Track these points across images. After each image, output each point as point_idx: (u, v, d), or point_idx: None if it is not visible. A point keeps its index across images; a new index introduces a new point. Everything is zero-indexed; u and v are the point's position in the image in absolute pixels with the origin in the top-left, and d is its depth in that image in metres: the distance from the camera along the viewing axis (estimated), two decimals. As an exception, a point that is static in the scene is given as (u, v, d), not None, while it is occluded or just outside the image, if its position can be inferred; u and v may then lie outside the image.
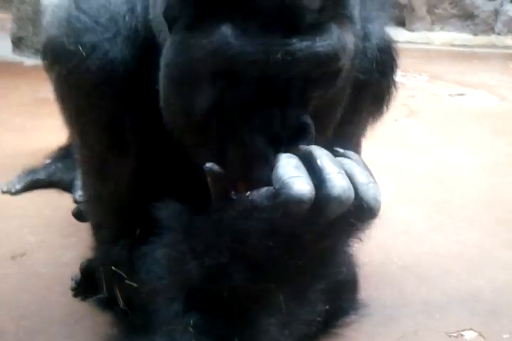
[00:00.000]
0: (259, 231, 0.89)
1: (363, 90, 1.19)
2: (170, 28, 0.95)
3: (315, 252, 0.93)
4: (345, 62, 0.94)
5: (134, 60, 1.08)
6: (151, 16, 1.06)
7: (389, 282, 1.67)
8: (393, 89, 1.32)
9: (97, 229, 1.37)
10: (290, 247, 0.90)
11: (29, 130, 2.67)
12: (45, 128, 2.58)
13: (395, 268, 1.73)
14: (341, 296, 1.37)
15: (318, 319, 1.27)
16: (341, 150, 0.93)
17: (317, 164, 0.84)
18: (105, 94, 1.10)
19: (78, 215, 1.78)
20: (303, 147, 0.89)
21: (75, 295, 1.50)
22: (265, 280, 0.97)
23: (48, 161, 2.25)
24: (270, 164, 0.88)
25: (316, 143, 0.93)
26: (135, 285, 1.19)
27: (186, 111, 1.00)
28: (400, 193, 2.26)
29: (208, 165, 0.92)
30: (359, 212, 0.85)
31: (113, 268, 1.24)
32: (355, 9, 0.97)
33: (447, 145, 2.85)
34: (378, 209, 0.87)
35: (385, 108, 1.34)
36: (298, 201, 0.80)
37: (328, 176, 0.82)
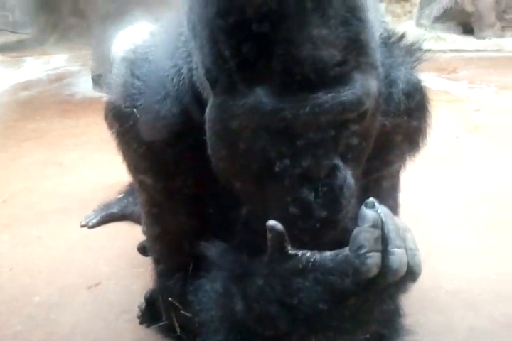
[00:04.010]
0: (315, 290, 1.01)
1: (393, 133, 1.26)
2: (212, 88, 1.07)
3: (362, 309, 1.04)
4: (369, 104, 1.02)
5: (181, 115, 1.21)
6: (195, 77, 1.18)
7: (437, 308, 1.69)
8: (425, 129, 1.37)
9: (157, 264, 1.53)
10: (341, 305, 1.02)
11: (106, 165, 2.88)
12: (119, 163, 2.77)
13: (444, 294, 1.75)
14: (385, 324, 1.43)
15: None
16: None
17: (385, 232, 0.95)
18: (156, 149, 1.24)
19: (142, 250, 1.95)
20: (375, 209, 0.96)
21: (141, 323, 1.64)
22: (309, 331, 1.07)
23: (120, 196, 2.45)
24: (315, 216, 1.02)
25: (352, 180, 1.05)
26: (189, 315, 1.34)
27: (230, 159, 1.12)
28: (457, 215, 2.27)
29: (271, 223, 1.02)
30: (405, 275, 0.96)
31: (170, 299, 1.39)
32: (377, 54, 1.05)
33: (511, 163, 2.78)
34: (419, 275, 0.99)
35: (418, 147, 1.41)
36: (367, 273, 0.94)
37: (393, 249, 0.95)
